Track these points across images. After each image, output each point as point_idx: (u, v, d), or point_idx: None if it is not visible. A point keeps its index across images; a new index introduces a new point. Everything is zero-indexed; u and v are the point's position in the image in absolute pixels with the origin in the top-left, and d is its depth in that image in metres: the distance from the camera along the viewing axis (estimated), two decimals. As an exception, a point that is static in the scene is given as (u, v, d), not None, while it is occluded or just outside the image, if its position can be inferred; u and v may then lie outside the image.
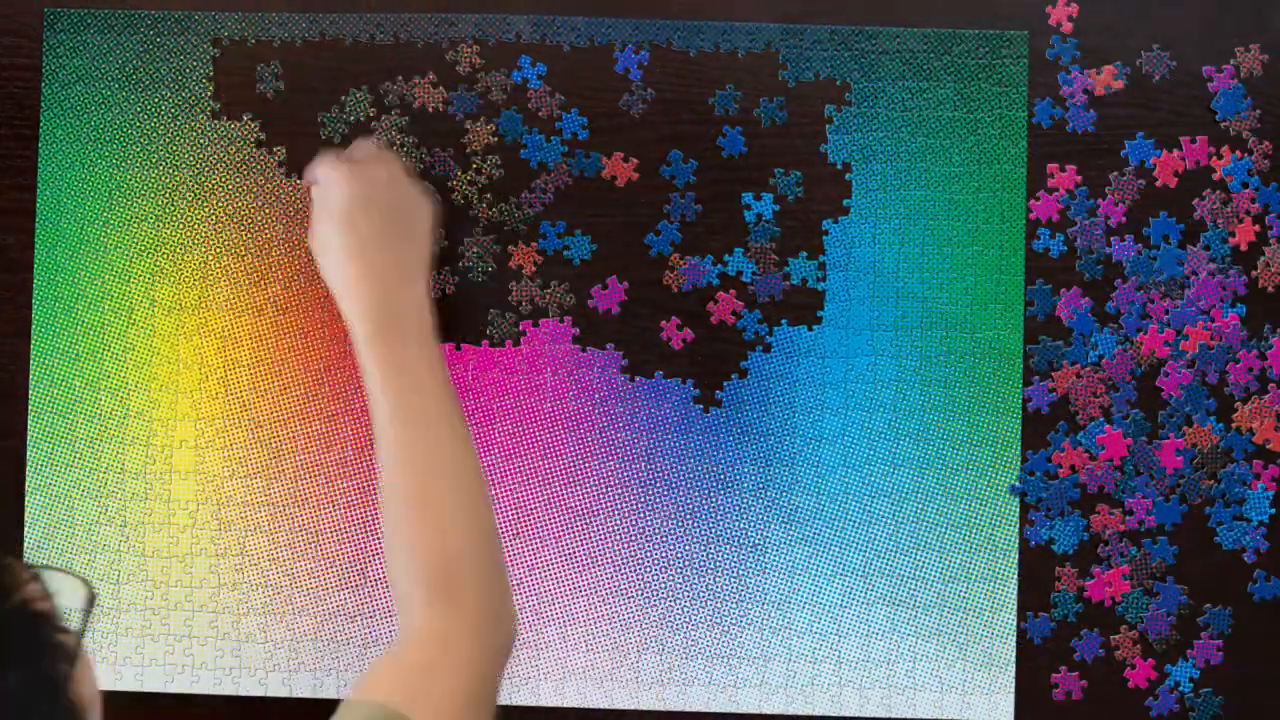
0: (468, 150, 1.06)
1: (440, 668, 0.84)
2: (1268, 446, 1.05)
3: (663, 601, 1.06)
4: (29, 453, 1.06)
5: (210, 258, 1.06)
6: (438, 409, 0.93)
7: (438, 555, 0.88)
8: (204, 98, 1.06)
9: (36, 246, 1.06)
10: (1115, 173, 1.06)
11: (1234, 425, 1.06)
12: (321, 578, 1.06)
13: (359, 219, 0.95)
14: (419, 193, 0.99)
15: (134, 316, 1.06)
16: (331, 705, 0.82)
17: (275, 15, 1.06)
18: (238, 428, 1.06)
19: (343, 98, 1.06)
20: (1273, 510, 1.06)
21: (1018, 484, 1.05)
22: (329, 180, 0.97)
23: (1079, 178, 1.06)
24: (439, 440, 0.92)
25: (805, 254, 1.06)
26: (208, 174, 1.06)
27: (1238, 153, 1.06)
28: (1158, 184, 1.06)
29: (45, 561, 0.65)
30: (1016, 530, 1.06)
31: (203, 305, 1.06)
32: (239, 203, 1.06)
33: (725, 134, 1.06)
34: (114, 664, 1.06)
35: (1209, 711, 1.05)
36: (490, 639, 0.87)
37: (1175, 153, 1.06)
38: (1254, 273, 1.06)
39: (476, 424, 1.05)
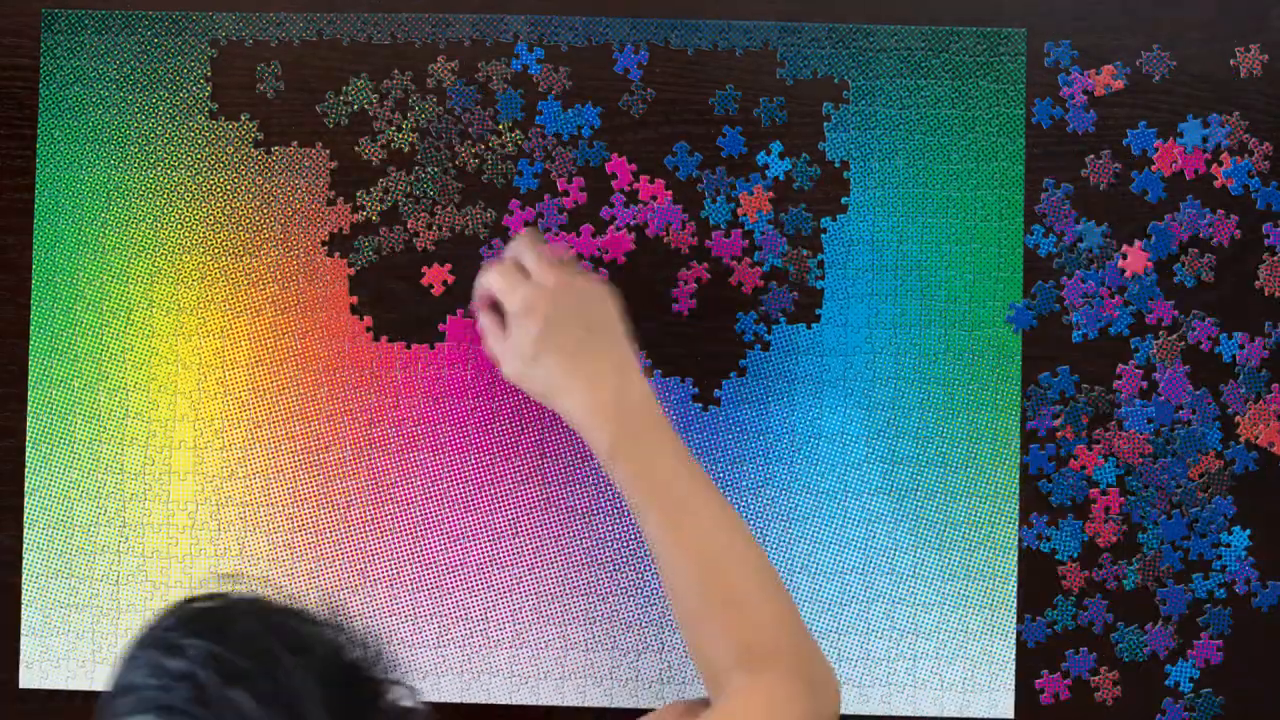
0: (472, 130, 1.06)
1: None
2: (1272, 449, 1.05)
3: (662, 601, 1.06)
4: (28, 453, 1.06)
5: (209, 258, 1.06)
6: (699, 495, 0.90)
7: (746, 630, 0.86)
8: (202, 98, 1.06)
9: (35, 247, 1.06)
10: (1111, 169, 1.05)
11: (1237, 432, 1.05)
12: (322, 578, 1.06)
13: (565, 331, 0.91)
14: (599, 285, 0.95)
15: (132, 317, 1.06)
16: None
17: (273, 16, 1.06)
18: (236, 428, 1.06)
19: (344, 86, 1.06)
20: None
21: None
22: (515, 296, 0.92)
23: (1078, 178, 1.05)
24: (710, 524, 0.89)
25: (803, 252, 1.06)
26: (206, 174, 1.06)
27: (1238, 155, 1.05)
28: (1158, 186, 1.05)
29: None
30: (1016, 527, 1.05)
31: (201, 306, 1.06)
32: (237, 203, 1.06)
33: (725, 134, 1.06)
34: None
35: (1209, 711, 1.05)
36: (813, 706, 0.84)
37: (1176, 149, 1.05)
38: (1254, 274, 1.06)
39: (475, 425, 1.05)
